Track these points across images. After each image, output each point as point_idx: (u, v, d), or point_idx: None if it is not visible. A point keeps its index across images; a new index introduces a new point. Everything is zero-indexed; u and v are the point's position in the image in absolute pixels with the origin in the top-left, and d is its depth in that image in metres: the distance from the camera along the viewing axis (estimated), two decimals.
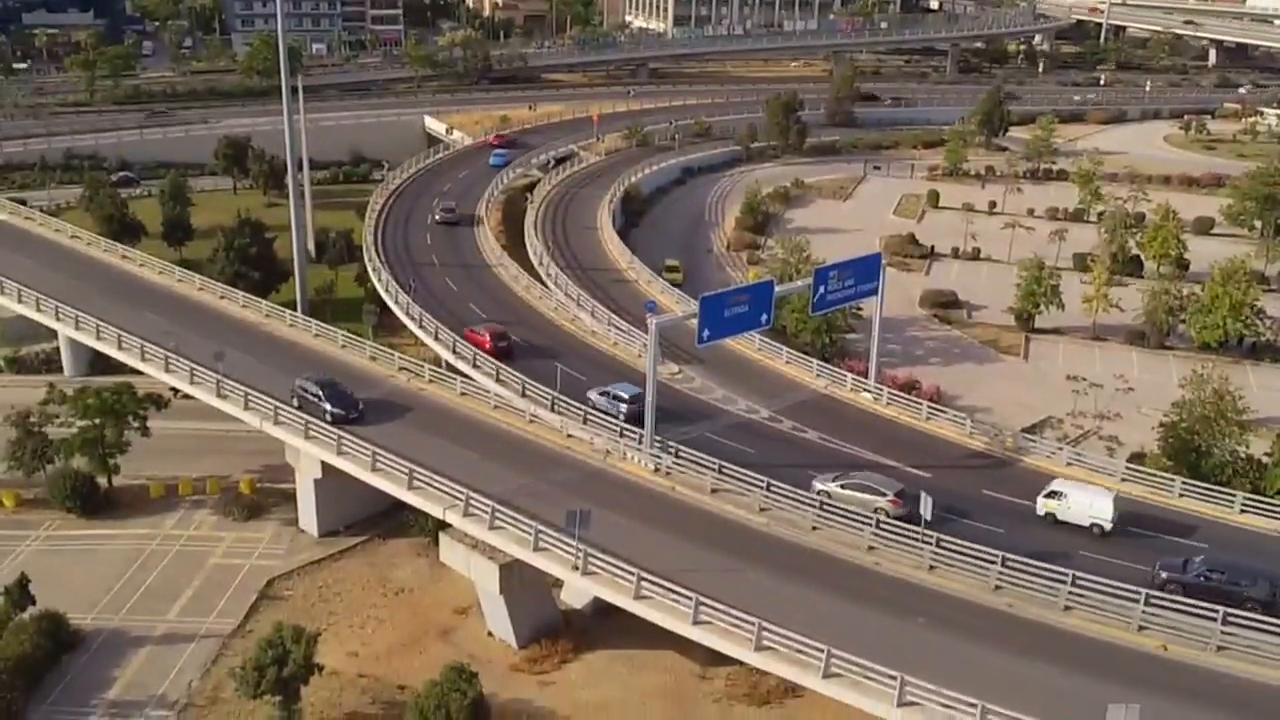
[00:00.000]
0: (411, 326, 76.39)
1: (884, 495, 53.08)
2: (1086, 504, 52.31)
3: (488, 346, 69.95)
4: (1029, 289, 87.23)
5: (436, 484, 53.31)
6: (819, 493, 53.43)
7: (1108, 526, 51.64)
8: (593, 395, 64.03)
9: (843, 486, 53.87)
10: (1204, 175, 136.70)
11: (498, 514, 50.46)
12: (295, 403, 61.39)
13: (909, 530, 49.17)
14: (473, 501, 51.48)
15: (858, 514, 51.39)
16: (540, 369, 67.00)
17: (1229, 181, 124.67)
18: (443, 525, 53.89)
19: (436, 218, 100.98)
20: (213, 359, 64.80)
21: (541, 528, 48.93)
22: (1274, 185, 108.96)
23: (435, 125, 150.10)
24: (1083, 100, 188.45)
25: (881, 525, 49.89)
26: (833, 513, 51.36)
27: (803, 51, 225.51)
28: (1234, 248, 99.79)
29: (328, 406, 60.41)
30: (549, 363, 68.25)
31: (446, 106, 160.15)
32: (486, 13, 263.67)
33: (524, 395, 63.27)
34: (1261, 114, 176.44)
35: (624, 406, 62.13)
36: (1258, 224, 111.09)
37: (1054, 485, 53.94)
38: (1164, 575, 47.23)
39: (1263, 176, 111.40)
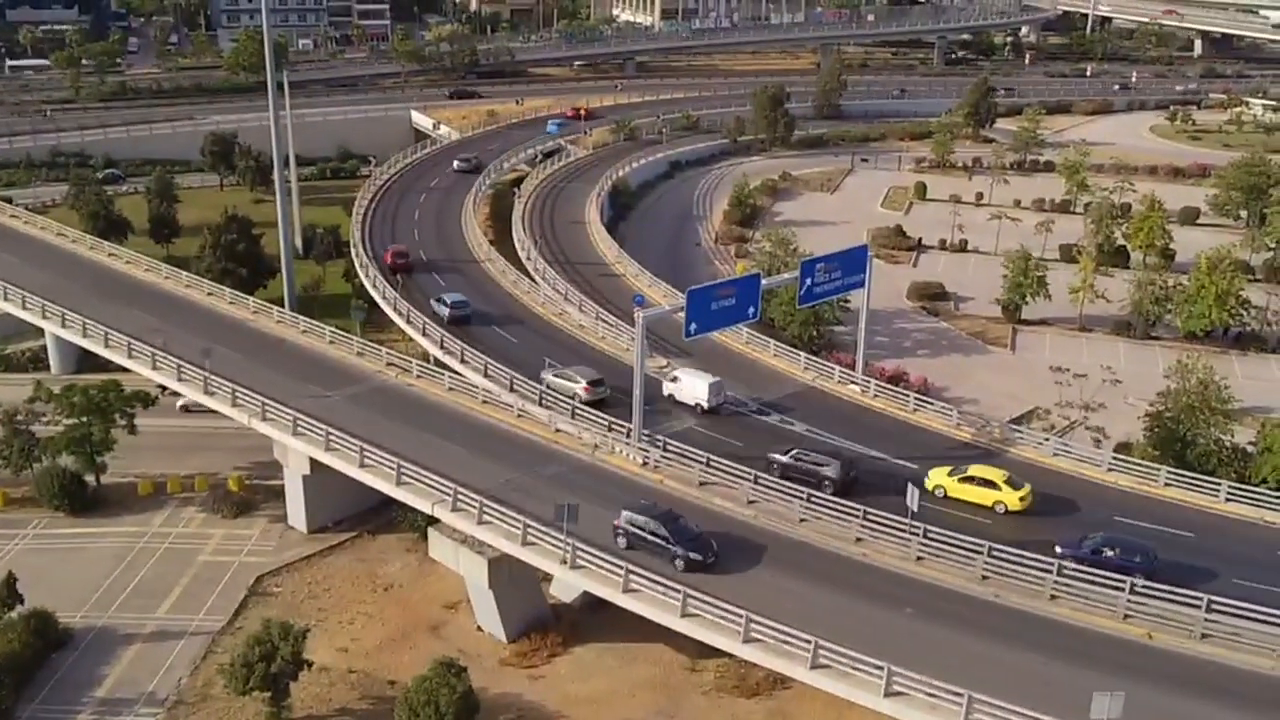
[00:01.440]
0: (399, 322, 76.40)
1: (579, 383, 63.12)
2: (692, 388, 62.82)
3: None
4: (1016, 280, 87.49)
5: (425, 479, 53.37)
6: (544, 384, 63.35)
7: (706, 406, 62.28)
8: (547, 376, 64.86)
9: (555, 376, 64.42)
10: (1190, 165, 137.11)
11: (486, 509, 50.54)
12: (622, 542, 48.55)
13: (897, 522, 49.33)
14: (461, 496, 51.54)
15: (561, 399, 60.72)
16: (531, 362, 67.01)
17: (1214, 171, 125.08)
18: (432, 520, 53.99)
19: (455, 166, 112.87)
20: (200, 356, 64.73)
21: (530, 522, 49.04)
22: (1259, 175, 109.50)
23: (422, 120, 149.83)
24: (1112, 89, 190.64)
25: (868, 516, 50.00)
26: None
27: (790, 44, 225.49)
28: (1220, 237, 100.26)
29: (678, 550, 47.28)
30: (538, 356, 68.25)
31: (434, 101, 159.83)
32: (473, 7, 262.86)
33: (512, 390, 63.30)
34: (1247, 104, 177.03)
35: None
36: (1243, 214, 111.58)
37: (673, 371, 64.87)
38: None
39: (1248, 166, 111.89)
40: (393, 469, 54.44)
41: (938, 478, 54.30)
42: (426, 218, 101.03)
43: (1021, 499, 52.93)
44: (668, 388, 64.04)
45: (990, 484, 53.45)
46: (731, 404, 64.19)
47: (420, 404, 63.10)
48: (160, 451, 69.16)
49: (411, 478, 53.93)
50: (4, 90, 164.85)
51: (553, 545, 48.32)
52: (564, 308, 78.19)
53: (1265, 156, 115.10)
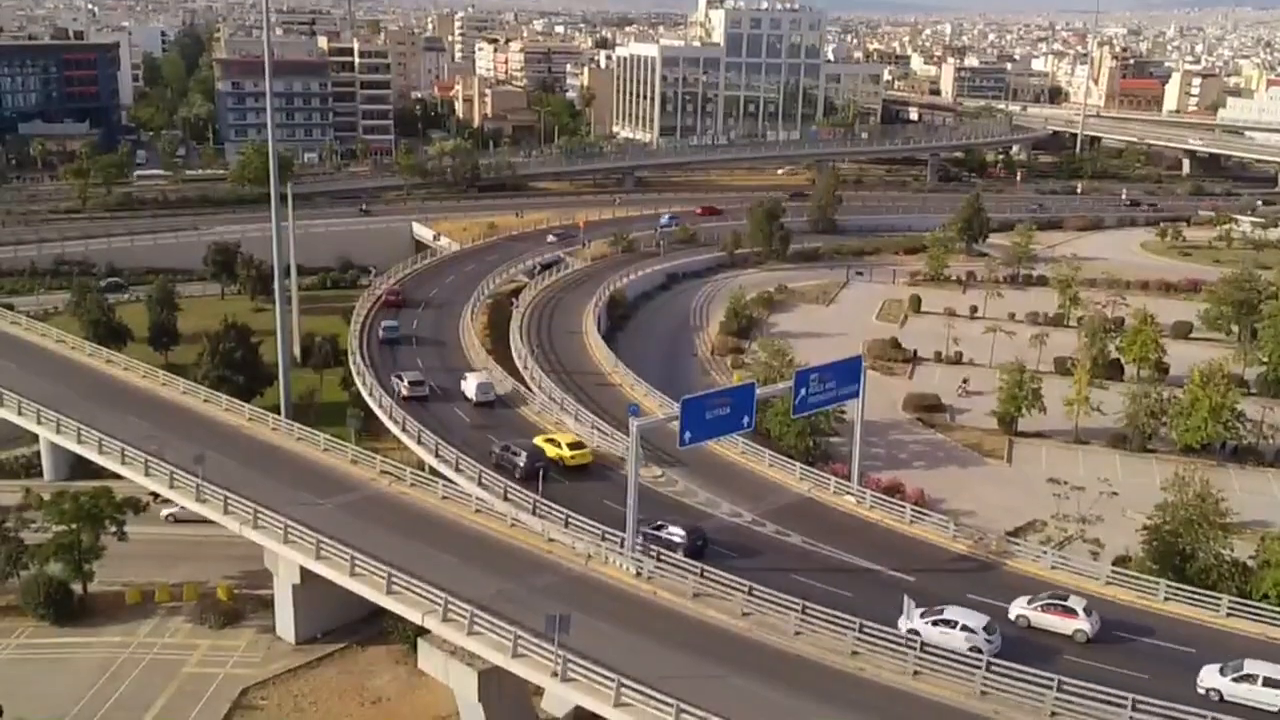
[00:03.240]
0: (394, 430, 76.33)
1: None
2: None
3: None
4: (1011, 392, 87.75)
5: (415, 588, 52.70)
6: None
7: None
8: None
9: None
10: (1181, 281, 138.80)
11: (476, 619, 49.80)
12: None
13: (893, 635, 48.59)
14: (451, 606, 50.83)
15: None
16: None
17: (1205, 286, 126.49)
18: (422, 631, 53.17)
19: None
20: (193, 462, 64.50)
21: (521, 633, 48.25)
22: (1249, 290, 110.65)
23: (423, 232, 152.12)
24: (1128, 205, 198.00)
25: (865, 630, 49.25)
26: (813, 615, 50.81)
27: (785, 161, 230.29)
28: (1212, 351, 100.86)
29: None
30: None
31: (435, 214, 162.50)
32: (476, 123, 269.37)
33: (505, 499, 62.94)
34: (1236, 221, 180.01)
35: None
36: (1234, 328, 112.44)
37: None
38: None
39: (1238, 281, 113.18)
40: (383, 578, 53.79)
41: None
42: (425, 326, 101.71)
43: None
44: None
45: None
46: (727, 516, 63.83)
47: (413, 512, 62.65)
48: (149, 559, 68.43)
49: (402, 587, 53.25)
50: (12, 200, 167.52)
51: (543, 657, 47.46)
52: (559, 417, 78.24)
53: (1254, 272, 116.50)
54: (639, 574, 55.15)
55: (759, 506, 65.42)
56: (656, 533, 58.98)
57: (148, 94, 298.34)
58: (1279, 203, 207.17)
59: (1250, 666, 47.26)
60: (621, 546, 56.63)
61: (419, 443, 72.36)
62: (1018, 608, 53.02)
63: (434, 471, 69.30)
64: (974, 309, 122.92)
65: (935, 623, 50.65)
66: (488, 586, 53.53)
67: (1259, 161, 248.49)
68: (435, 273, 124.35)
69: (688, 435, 58.11)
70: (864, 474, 71.01)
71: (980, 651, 48.28)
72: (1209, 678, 47.62)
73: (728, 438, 67.30)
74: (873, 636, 48.92)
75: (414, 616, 52.72)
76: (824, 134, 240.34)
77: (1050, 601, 52.70)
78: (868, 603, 53.04)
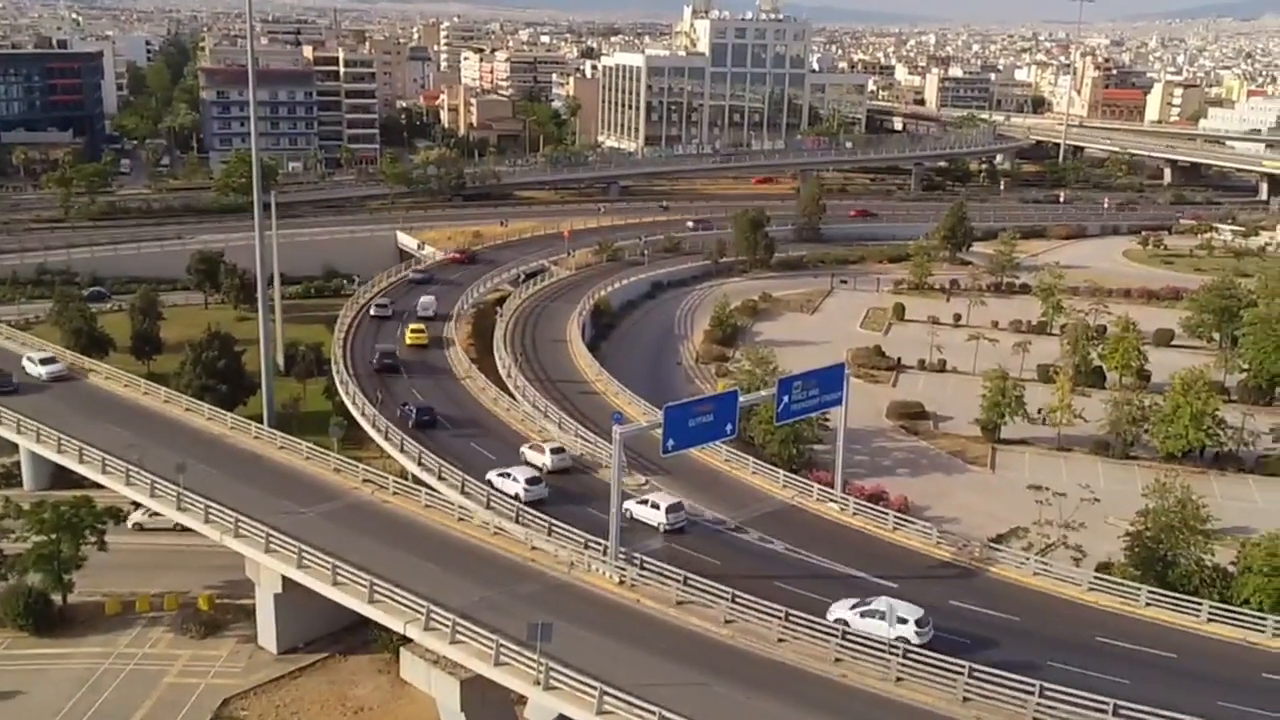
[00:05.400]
0: (377, 439, 76.08)
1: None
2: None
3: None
4: (994, 400, 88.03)
5: (398, 598, 52.54)
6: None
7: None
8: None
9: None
10: (1163, 288, 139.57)
11: (459, 628, 49.67)
12: None
13: (876, 643, 48.67)
14: (434, 615, 50.69)
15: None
16: (595, 524, 65.80)
17: (1187, 294, 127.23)
18: (404, 640, 52.98)
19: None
20: (174, 471, 64.20)
21: (503, 641, 48.14)
22: (1230, 298, 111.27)
23: (407, 240, 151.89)
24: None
25: (846, 637, 49.28)
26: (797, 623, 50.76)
27: (770, 170, 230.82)
28: (1194, 359, 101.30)
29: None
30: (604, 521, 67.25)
31: (419, 222, 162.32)
32: (461, 132, 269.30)
33: (488, 507, 62.85)
34: (1216, 230, 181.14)
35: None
36: (1216, 336, 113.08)
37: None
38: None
39: (1219, 289, 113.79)
40: (365, 587, 53.61)
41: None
42: (411, 359, 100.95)
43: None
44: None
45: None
46: (710, 523, 63.85)
47: (396, 521, 62.46)
48: (130, 569, 67.97)
49: (384, 596, 53.08)
50: None
51: (526, 665, 47.35)
52: (542, 424, 78.17)
53: (1235, 280, 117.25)
54: (622, 581, 55.09)
55: (742, 513, 65.44)
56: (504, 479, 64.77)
57: (132, 103, 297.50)
58: (1263, 211, 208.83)
59: (877, 603, 51.94)
60: (604, 555, 56.56)
61: (402, 451, 72.21)
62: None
63: (417, 480, 69.15)
64: (957, 317, 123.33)
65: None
66: (470, 595, 53.41)
67: (1239, 170, 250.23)
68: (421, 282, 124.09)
69: (670, 443, 58.13)
70: (848, 481, 71.17)
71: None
72: (838, 610, 52.24)
73: (711, 445, 67.37)
74: (856, 644, 48.94)
75: (396, 625, 52.54)
76: (809, 143, 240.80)
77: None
78: None
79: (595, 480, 69.43)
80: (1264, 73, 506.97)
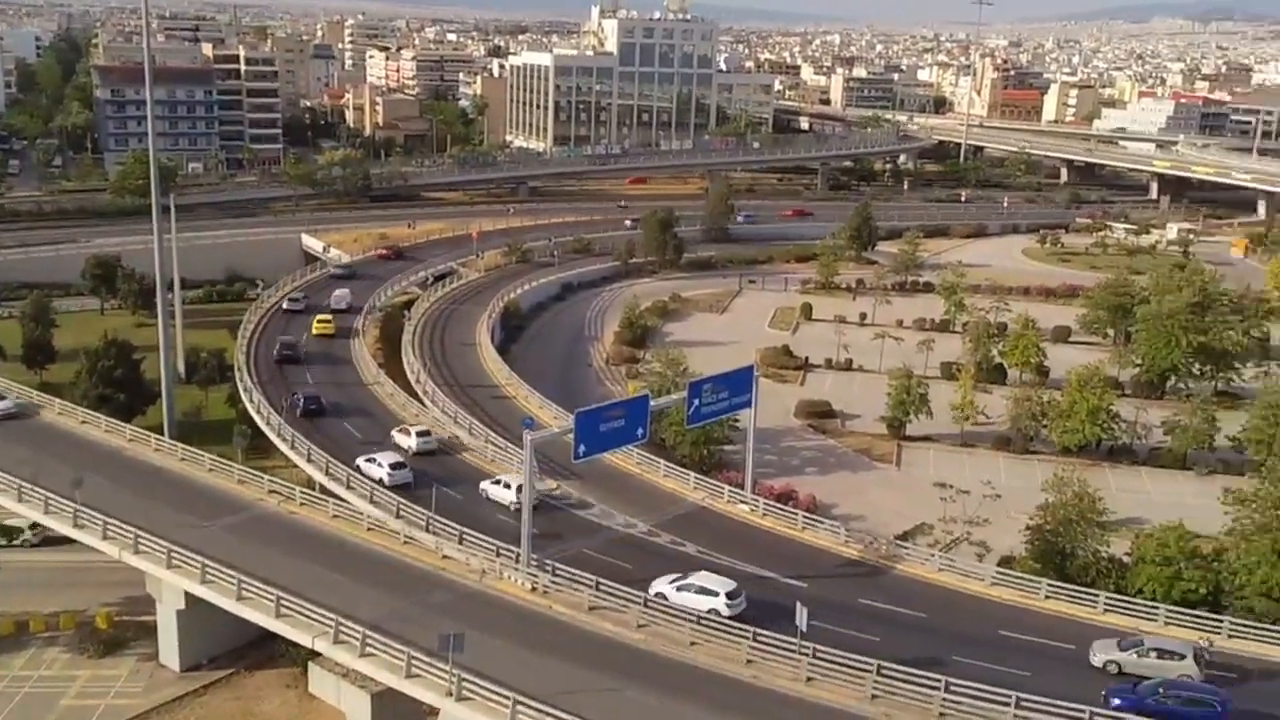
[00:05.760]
0: (283, 448, 74.66)
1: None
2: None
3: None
4: (899, 398, 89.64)
5: (305, 611, 51.60)
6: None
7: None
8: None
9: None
10: (1060, 286, 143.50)
11: (369, 640, 48.98)
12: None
13: (786, 643, 49.22)
14: (343, 628, 49.91)
15: None
16: (456, 508, 65.10)
17: (1083, 292, 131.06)
18: (313, 654, 52.09)
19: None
20: (70, 487, 62.21)
21: (414, 653, 47.59)
22: (1124, 295, 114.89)
23: (313, 243, 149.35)
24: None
25: (758, 638, 49.75)
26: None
27: (679, 170, 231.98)
28: (1090, 355, 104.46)
29: None
30: (468, 504, 66.48)
31: (325, 224, 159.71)
32: (367, 132, 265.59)
33: (398, 516, 62.11)
34: (1111, 228, 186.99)
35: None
36: (1110, 332, 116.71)
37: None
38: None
39: (1113, 287, 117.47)
40: (272, 601, 52.57)
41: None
42: (314, 350, 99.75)
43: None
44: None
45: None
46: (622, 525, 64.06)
47: (303, 532, 61.34)
48: (24, 588, 65.79)
49: (291, 609, 52.08)
50: None
51: (438, 677, 46.90)
52: (454, 430, 77.53)
53: (1129, 278, 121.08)
54: (534, 589, 54.91)
55: (654, 517, 65.67)
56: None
57: (21, 101, 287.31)
58: (1153, 209, 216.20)
59: (693, 578, 55.05)
60: (516, 562, 56.30)
61: (309, 460, 70.99)
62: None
63: (325, 489, 68.05)
64: (864, 316, 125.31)
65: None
66: (380, 606, 52.72)
67: (1131, 170, 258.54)
68: (326, 284, 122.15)
69: (582, 449, 58.10)
70: (757, 481, 71.82)
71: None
72: (658, 585, 55.07)
73: (624, 448, 67.45)
74: (766, 644, 49.43)
75: (304, 639, 51.62)
76: (717, 143, 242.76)
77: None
78: (761, 610, 53.61)
79: (459, 462, 72.81)
80: (1153, 74, 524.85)
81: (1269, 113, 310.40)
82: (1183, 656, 50.25)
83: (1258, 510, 61.14)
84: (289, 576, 54.79)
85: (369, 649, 48.94)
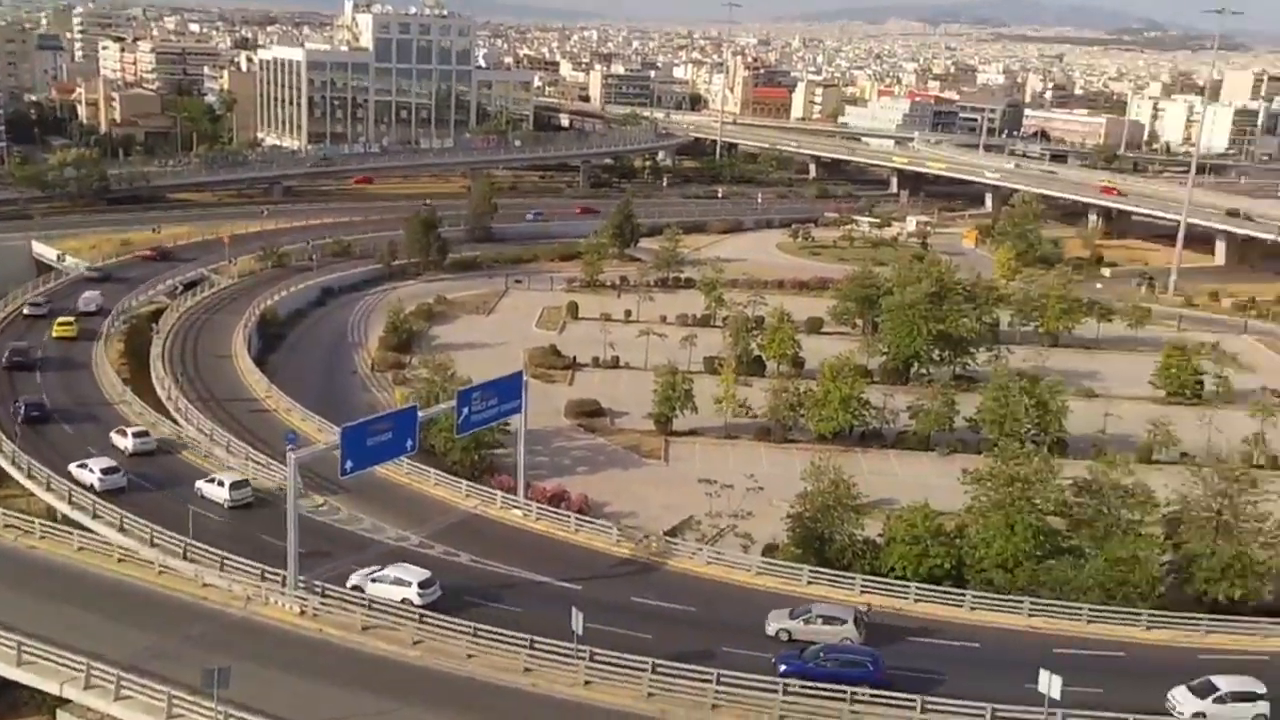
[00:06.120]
0: (18, 476, 69.30)
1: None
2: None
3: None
4: (665, 394, 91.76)
5: (52, 656, 48.18)
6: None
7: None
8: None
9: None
10: (812, 279, 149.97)
11: (124, 682, 46.26)
12: None
13: (563, 648, 49.74)
14: (94, 671, 46.91)
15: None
16: (171, 511, 62.68)
17: (833, 284, 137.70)
18: (62, 701, 48.71)
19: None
20: None
21: (175, 692, 45.30)
22: (870, 287, 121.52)
23: (45, 251, 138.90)
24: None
25: (536, 645, 50.08)
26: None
27: (440, 168, 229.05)
28: (842, 344, 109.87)
29: None
30: (182, 506, 63.89)
31: (59, 229, 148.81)
32: (103, 129, 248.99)
33: (152, 545, 58.88)
34: (856, 222, 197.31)
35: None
36: (859, 322, 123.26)
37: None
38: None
39: (860, 279, 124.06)
40: (13, 647, 48.77)
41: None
42: (52, 356, 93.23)
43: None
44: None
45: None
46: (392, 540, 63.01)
47: (45, 568, 57.30)
48: None
49: (35, 656, 48.53)
50: None
51: (203, 716, 44.79)
52: (210, 450, 74.11)
53: (873, 270, 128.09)
54: (303, 612, 53.32)
55: (426, 528, 65.00)
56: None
57: None
58: (894, 203, 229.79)
59: (387, 569, 56.37)
60: (283, 585, 54.49)
61: (49, 489, 66.23)
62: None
63: (68, 520, 63.67)
64: (628, 313, 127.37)
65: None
66: (136, 643, 49.96)
67: (873, 165, 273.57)
68: (64, 295, 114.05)
69: (349, 464, 56.87)
70: (529, 483, 72.08)
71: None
72: (354, 578, 56.24)
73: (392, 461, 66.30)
74: (544, 651, 49.81)
75: (51, 687, 48.19)
76: (477, 142, 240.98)
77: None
78: (538, 616, 53.95)
79: (178, 462, 72.61)
80: (890, 73, 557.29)
81: (992, 111, 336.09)
82: (844, 621, 54.25)
83: (992, 488, 66.14)
84: (32, 619, 51.04)
85: (124, 691, 46.24)
